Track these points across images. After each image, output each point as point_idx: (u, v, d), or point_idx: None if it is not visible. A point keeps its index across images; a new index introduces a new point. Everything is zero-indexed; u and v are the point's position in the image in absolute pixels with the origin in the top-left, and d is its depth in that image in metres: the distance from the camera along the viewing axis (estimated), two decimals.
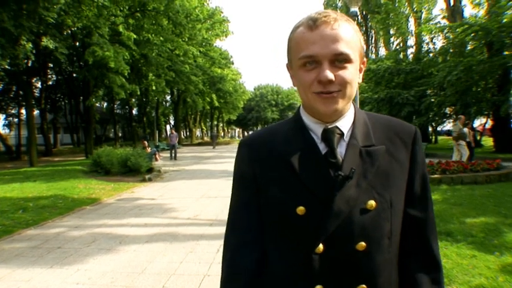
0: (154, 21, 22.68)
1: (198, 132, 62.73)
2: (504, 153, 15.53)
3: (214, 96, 43.40)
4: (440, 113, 20.62)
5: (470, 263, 4.01)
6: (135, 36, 20.23)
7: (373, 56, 37.57)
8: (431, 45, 25.71)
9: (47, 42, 15.96)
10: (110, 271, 4.42)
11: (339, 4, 43.97)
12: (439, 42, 25.82)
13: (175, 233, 6.01)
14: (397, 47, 32.53)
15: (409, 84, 22.88)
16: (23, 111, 27.75)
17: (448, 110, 21.11)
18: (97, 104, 34.63)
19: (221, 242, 5.40)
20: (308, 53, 0.91)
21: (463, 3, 21.88)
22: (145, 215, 7.47)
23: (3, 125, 40.31)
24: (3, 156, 26.46)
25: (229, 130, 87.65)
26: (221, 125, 72.95)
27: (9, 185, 11.56)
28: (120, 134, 49.30)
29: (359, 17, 34.69)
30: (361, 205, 0.93)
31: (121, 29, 19.70)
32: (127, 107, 39.87)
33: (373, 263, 0.95)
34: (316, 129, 1.00)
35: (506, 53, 14.76)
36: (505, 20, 13.91)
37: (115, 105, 41.13)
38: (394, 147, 1.00)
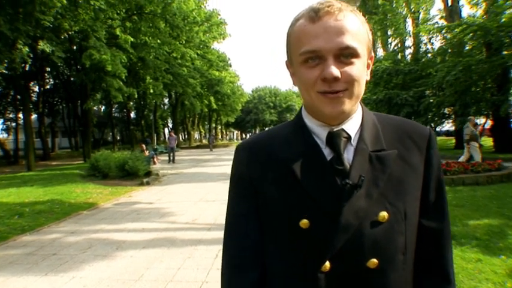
0: (151, 24, 22.59)
1: (196, 135, 62.60)
2: (504, 154, 15.43)
3: (212, 98, 43.32)
4: (439, 113, 20.55)
5: (476, 267, 3.90)
6: (132, 39, 20.12)
7: None
8: (429, 46, 25.70)
9: (43, 45, 15.84)
10: (106, 278, 4.30)
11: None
12: (437, 43, 25.83)
13: (173, 238, 5.90)
14: (395, 48, 32.50)
15: (407, 85, 22.81)
16: (21, 115, 27.59)
17: (447, 111, 21.03)
18: (95, 108, 34.46)
19: (220, 247, 5.33)
20: (310, 48, 0.81)
21: (460, 3, 21.85)
22: (143, 219, 7.36)
23: (1, 130, 40.22)
24: (1, 161, 26.32)
25: (228, 132, 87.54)
26: (219, 127, 72.87)
27: (5, 189, 11.44)
28: (118, 138, 49.15)
29: None
30: (372, 217, 0.83)
31: (118, 32, 19.58)
32: (125, 110, 39.73)
33: (386, 282, 0.85)
34: (320, 132, 0.90)
35: (505, 52, 14.68)
36: (503, 20, 13.85)
37: (113, 109, 41.04)
38: (407, 151, 0.90)
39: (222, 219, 6.92)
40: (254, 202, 0.94)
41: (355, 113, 0.91)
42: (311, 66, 0.82)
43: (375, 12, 34.47)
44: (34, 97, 30.37)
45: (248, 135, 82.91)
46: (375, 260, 0.83)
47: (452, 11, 20.43)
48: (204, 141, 59.75)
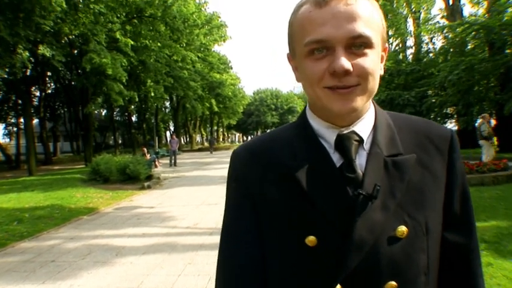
0: (151, 27, 22.55)
1: (198, 138, 62.56)
2: (508, 153, 15.27)
3: (213, 101, 43.24)
4: (441, 113, 20.39)
5: (487, 272, 3.76)
6: (132, 42, 20.05)
7: None
8: (430, 45, 25.58)
9: (43, 50, 15.78)
10: (105, 286, 4.20)
11: None
12: (439, 42, 25.71)
13: (173, 243, 5.79)
14: (397, 48, 32.39)
15: (409, 85, 22.68)
16: (22, 120, 27.58)
17: (449, 110, 20.89)
18: (96, 112, 34.45)
19: None
20: (316, 37, 0.70)
21: (462, 2, 21.72)
22: (144, 224, 7.25)
23: (3, 135, 40.24)
24: (3, 166, 26.32)
25: (229, 135, 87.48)
26: (221, 130, 72.81)
27: (6, 195, 11.37)
28: (120, 141, 49.13)
29: None
30: (389, 233, 0.72)
31: (118, 36, 19.51)
32: (126, 114, 39.69)
33: None
34: (327, 135, 0.79)
35: (508, 51, 14.56)
36: (506, 18, 13.72)
37: (114, 113, 41.01)
38: (427, 155, 0.79)
39: None
40: (253, 220, 0.82)
41: (367, 113, 0.80)
42: (317, 58, 0.71)
43: None
44: (35, 102, 30.34)
45: (250, 138, 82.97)
46: (393, 283, 0.71)
47: (453, 10, 20.32)
48: (206, 144, 59.70)
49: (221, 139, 68.46)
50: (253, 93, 74.51)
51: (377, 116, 0.82)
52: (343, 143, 0.77)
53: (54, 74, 28.08)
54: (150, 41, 22.98)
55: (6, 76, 20.39)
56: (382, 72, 0.77)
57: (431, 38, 24.89)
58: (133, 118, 43.64)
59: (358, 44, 0.69)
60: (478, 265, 0.81)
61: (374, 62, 0.71)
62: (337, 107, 0.71)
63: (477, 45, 16.55)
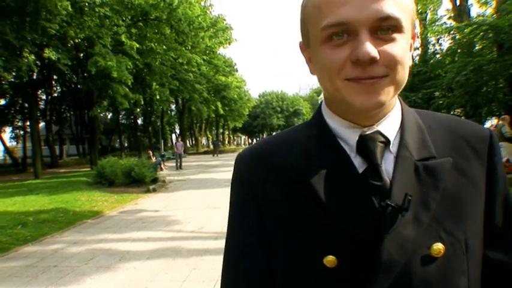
0: (157, 30, 22.55)
1: (203, 141, 62.54)
2: None
3: (219, 104, 43.16)
4: (449, 115, 20.17)
5: None
6: (137, 45, 20.04)
7: None
8: (437, 47, 25.36)
9: (49, 53, 15.82)
10: None
11: None
12: (446, 43, 25.50)
13: (178, 248, 5.69)
14: None
15: (416, 87, 22.47)
16: (29, 123, 27.71)
17: (457, 112, 20.65)
18: (101, 115, 34.55)
19: None
20: (336, 19, 0.58)
21: (469, 2, 21.50)
22: (148, 228, 7.16)
23: (10, 138, 40.48)
24: (10, 169, 26.45)
25: (235, 138, 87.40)
26: (227, 132, 72.78)
27: (11, 198, 11.36)
28: (126, 144, 49.24)
29: None
30: (422, 251, 0.60)
31: (123, 39, 19.53)
32: (132, 117, 39.74)
33: None
34: (348, 136, 0.68)
35: None
36: None
37: (120, 116, 41.10)
38: (464, 159, 0.67)
39: None
40: (261, 236, 0.71)
41: (393, 110, 0.69)
42: (337, 44, 0.60)
43: None
44: (42, 105, 30.48)
45: (255, 140, 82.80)
46: None
47: (461, 11, 20.10)
48: (212, 147, 59.69)
49: (227, 142, 68.39)
50: (259, 96, 74.46)
51: (404, 113, 0.71)
52: (367, 145, 0.65)
53: (60, 78, 28.21)
54: (156, 44, 22.98)
55: (13, 80, 20.52)
56: (410, 63, 0.65)
57: (438, 39, 24.64)
58: (139, 121, 43.70)
59: (386, 28, 0.58)
60: None
61: (403, 49, 0.60)
62: (359, 101, 0.60)
63: (485, 46, 16.33)
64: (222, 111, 45.27)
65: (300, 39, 0.73)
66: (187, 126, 47.15)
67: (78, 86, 27.60)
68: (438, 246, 0.60)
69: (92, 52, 17.96)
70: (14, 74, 16.89)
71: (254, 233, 0.71)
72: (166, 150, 37.47)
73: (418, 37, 27.31)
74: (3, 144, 29.10)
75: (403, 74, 0.61)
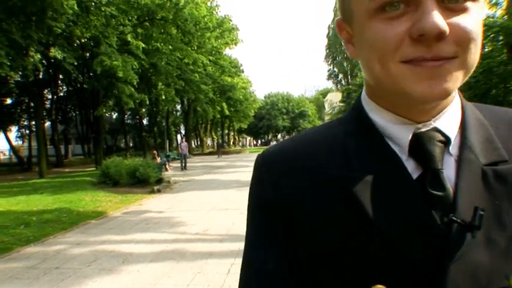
0: (163, 30, 22.50)
1: (209, 141, 62.51)
2: None
3: (224, 104, 43.11)
4: None
5: None
6: (143, 45, 20.00)
7: None
8: None
9: (54, 52, 15.80)
10: None
11: None
12: None
13: (182, 251, 5.56)
14: None
15: None
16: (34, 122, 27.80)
17: None
18: (107, 115, 34.59)
19: (232, 261, 4.99)
20: None
21: None
22: (152, 229, 7.04)
23: (16, 137, 40.69)
24: (15, 168, 26.55)
25: (241, 139, 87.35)
26: (232, 133, 72.74)
27: (15, 197, 11.31)
28: (131, 144, 49.29)
29: None
30: (499, 282, 0.46)
31: (129, 39, 19.50)
32: (137, 117, 39.79)
33: None
34: (398, 134, 0.54)
35: None
36: None
37: (125, 116, 41.16)
38: None
39: (234, 229, 6.60)
40: (289, 258, 0.57)
41: (452, 103, 0.55)
42: (391, 17, 0.46)
43: None
44: (47, 104, 30.56)
45: (260, 142, 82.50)
46: None
47: None
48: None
49: (231, 143, 68.30)
50: (265, 97, 74.44)
51: (464, 108, 0.57)
52: (423, 146, 0.52)
53: (66, 77, 28.23)
54: (162, 44, 22.94)
55: (19, 79, 20.56)
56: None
57: None
58: (145, 121, 43.76)
59: None
60: None
61: (478, 23, 0.46)
62: (420, 90, 0.46)
63: (495, 47, 16.11)
64: (227, 112, 45.25)
65: (338, 16, 0.59)
66: (192, 126, 47.11)
67: (84, 86, 27.60)
68: None
69: (98, 51, 17.94)
70: (20, 73, 16.91)
71: (279, 257, 0.57)
72: (172, 150, 37.42)
73: None
74: (9, 143, 29.25)
75: (475, 56, 0.47)
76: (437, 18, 0.42)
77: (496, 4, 17.67)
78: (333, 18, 48.46)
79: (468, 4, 0.45)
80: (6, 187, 14.59)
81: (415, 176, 0.51)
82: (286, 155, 0.61)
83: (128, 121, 46.34)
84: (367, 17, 0.48)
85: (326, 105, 61.77)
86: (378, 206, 0.50)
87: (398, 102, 0.52)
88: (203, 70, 33.52)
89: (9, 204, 10.00)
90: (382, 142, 0.55)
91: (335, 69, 59.42)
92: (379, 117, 0.56)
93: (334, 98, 49.76)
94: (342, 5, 0.56)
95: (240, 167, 21.22)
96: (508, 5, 16.04)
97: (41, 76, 23.01)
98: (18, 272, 4.87)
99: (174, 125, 51.08)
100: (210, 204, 9.40)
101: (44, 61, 18.37)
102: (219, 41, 32.81)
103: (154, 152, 21.36)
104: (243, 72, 50.94)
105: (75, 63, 18.91)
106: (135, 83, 19.58)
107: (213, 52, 34.34)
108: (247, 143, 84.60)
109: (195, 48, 26.69)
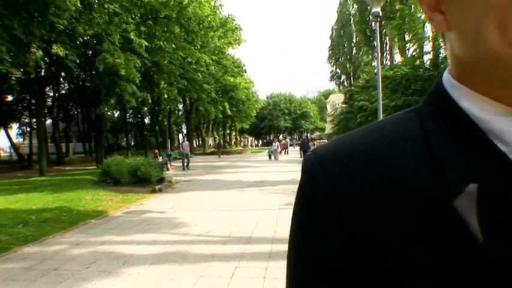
0: (166, 29, 22.35)
1: (210, 141, 62.36)
2: None
3: (226, 104, 42.99)
4: None
5: None
6: (146, 43, 19.87)
7: (388, 63, 36.88)
8: None
9: (56, 49, 15.65)
10: None
11: (352, 11, 43.60)
12: None
13: (184, 252, 5.39)
14: (414, 53, 31.78)
15: (427, 92, 22.00)
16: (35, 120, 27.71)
17: None
18: (108, 113, 34.46)
19: (236, 264, 4.82)
20: None
21: None
22: (153, 230, 6.88)
23: (17, 134, 40.61)
24: (15, 165, 26.42)
25: (242, 139, 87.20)
26: (234, 133, 72.61)
27: (14, 195, 11.14)
28: (132, 143, 49.18)
29: (373, 24, 34.13)
30: None
31: (132, 37, 19.36)
32: (139, 115, 39.68)
33: None
34: (505, 129, 0.37)
35: None
36: None
37: (127, 114, 41.03)
38: None
39: (238, 231, 6.44)
40: None
41: None
42: None
43: (392, 17, 33.87)
44: (49, 102, 30.45)
45: (261, 142, 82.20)
46: None
47: None
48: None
49: (233, 143, 68.13)
50: (267, 98, 74.35)
51: None
52: None
53: (68, 75, 28.11)
54: (165, 43, 22.81)
55: (20, 76, 20.43)
56: None
57: None
58: (146, 120, 43.66)
59: None
60: None
61: None
62: None
63: None
64: (229, 112, 45.13)
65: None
66: (194, 126, 46.99)
67: (86, 84, 27.52)
68: None
69: (100, 49, 17.80)
70: (21, 70, 16.78)
71: None
72: (173, 149, 37.28)
73: (429, 41, 27.10)
74: (10, 140, 29.13)
75: None
76: None
77: None
78: (337, 19, 48.36)
79: None
80: (6, 184, 14.43)
81: None
82: (351, 156, 0.44)
83: (130, 120, 46.22)
84: None
85: (328, 107, 61.59)
86: (488, 226, 0.35)
87: (507, 86, 0.36)
88: (206, 69, 33.42)
89: (8, 202, 9.84)
90: (486, 140, 0.38)
91: (338, 70, 59.18)
92: (477, 107, 0.39)
93: (337, 100, 49.57)
94: None
95: (241, 167, 21.10)
96: None
97: (42, 73, 22.86)
98: (15, 273, 4.71)
99: (175, 124, 51.02)
100: (212, 205, 9.24)
101: (46, 58, 18.23)
102: (222, 40, 32.66)
103: (156, 151, 21.21)
104: (245, 72, 50.78)
105: (78, 61, 18.78)
106: (137, 82, 19.44)
107: (216, 51, 34.20)
108: (249, 143, 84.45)
109: (198, 47, 26.53)
